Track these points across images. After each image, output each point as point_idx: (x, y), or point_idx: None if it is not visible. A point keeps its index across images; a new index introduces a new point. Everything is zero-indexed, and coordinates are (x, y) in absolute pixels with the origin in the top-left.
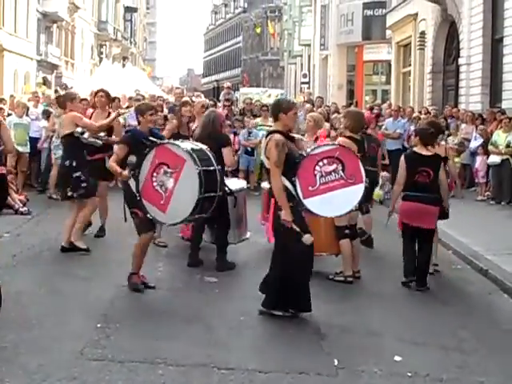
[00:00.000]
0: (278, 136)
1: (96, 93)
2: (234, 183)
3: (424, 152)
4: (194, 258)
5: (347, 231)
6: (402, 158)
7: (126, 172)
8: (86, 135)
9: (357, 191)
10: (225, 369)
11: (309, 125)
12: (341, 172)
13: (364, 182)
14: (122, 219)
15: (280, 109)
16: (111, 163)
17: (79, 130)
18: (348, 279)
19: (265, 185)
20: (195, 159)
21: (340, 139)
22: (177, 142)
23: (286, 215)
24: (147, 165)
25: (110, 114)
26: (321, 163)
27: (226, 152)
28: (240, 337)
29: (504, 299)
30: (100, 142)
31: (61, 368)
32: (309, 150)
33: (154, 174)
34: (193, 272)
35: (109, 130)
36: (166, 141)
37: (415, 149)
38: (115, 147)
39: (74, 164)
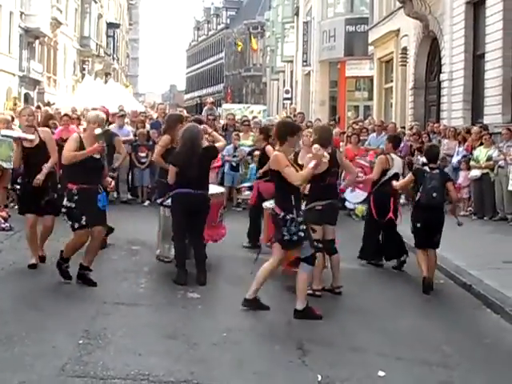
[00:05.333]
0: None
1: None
2: (213, 188)
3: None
4: (184, 277)
5: (319, 245)
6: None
7: None
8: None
9: None
10: None
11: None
12: None
13: None
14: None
15: (288, 132)
16: None
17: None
18: (316, 293)
19: (267, 204)
20: None
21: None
22: None
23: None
24: None
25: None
26: None
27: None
28: (223, 353)
29: (487, 314)
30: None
31: None
32: None
33: None
34: (175, 288)
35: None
36: None
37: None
38: None
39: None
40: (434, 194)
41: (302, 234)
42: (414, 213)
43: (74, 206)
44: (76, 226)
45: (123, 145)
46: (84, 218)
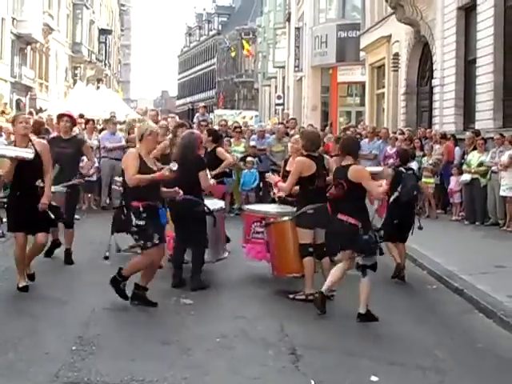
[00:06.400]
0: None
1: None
2: (213, 203)
3: None
4: (178, 278)
5: (310, 249)
6: None
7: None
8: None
9: None
10: None
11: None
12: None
13: None
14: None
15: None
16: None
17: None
18: (309, 298)
19: (249, 207)
20: None
21: (298, 159)
22: None
23: None
24: None
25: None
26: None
27: (202, 175)
28: (216, 359)
29: (479, 318)
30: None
31: None
32: None
33: None
34: (169, 294)
35: None
36: None
37: None
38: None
39: None
40: (415, 193)
41: (378, 241)
42: (391, 210)
43: (144, 224)
44: (149, 245)
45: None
46: (157, 236)
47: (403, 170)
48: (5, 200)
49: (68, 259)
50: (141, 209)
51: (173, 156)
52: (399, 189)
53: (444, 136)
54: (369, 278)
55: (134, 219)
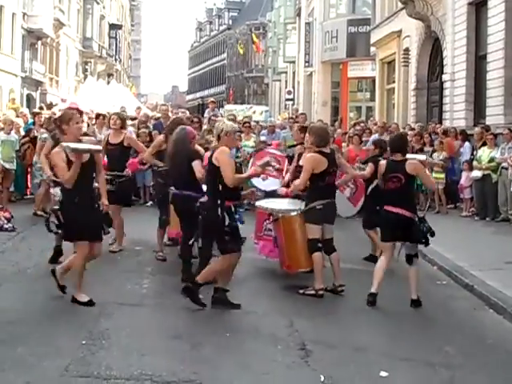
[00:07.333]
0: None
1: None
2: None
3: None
4: (188, 273)
5: (319, 244)
6: None
7: None
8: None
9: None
10: None
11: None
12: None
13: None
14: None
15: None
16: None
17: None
18: (319, 293)
19: (261, 203)
20: None
21: (309, 155)
22: None
23: None
24: None
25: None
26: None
27: (195, 165)
28: (226, 353)
29: (489, 314)
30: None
31: None
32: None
33: None
34: (178, 288)
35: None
36: None
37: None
38: None
39: None
40: None
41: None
42: (375, 197)
43: (235, 223)
44: (239, 245)
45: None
46: (242, 238)
47: (381, 159)
48: (16, 196)
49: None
50: (232, 208)
51: (167, 152)
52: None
53: (445, 132)
54: (416, 265)
55: (227, 219)
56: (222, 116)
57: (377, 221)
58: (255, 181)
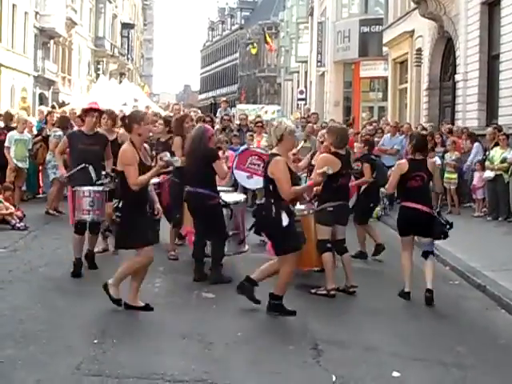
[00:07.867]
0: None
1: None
2: (231, 196)
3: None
4: (200, 272)
5: (328, 245)
6: None
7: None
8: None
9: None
10: None
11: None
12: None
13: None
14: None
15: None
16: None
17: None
18: (331, 293)
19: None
20: None
21: (322, 155)
22: None
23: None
24: None
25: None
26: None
27: (217, 165)
28: (238, 352)
29: (501, 315)
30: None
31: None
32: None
33: None
34: (190, 288)
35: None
36: None
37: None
38: None
39: None
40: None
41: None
42: (369, 194)
43: (292, 223)
44: (299, 243)
45: None
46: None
47: (373, 157)
48: (28, 195)
49: (91, 264)
50: (291, 208)
51: (184, 150)
52: (374, 175)
53: (450, 131)
54: (432, 260)
55: (284, 219)
56: (234, 116)
57: (369, 216)
58: (240, 179)
